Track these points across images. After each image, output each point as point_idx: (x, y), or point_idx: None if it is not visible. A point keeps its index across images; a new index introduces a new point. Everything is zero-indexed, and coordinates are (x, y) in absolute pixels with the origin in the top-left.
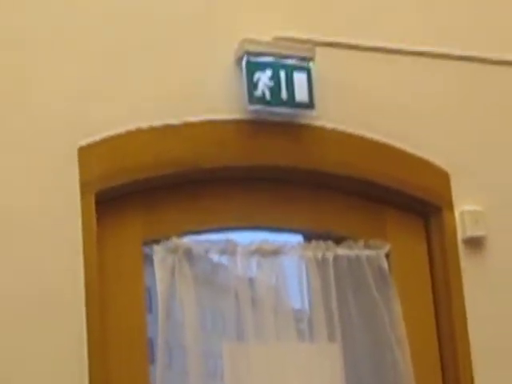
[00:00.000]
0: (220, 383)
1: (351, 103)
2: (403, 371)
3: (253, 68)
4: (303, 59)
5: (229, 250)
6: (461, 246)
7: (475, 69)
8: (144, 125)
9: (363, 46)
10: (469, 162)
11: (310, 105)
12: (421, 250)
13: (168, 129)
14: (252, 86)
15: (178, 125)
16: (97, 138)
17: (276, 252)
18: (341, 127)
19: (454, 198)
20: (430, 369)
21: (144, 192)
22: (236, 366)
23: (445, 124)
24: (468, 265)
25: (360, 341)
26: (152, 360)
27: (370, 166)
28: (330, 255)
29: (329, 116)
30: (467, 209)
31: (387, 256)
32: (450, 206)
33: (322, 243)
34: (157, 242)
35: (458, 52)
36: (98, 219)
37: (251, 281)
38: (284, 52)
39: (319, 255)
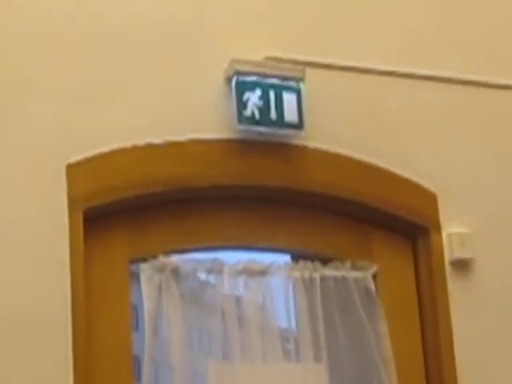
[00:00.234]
0: None
1: (340, 124)
2: None
3: (242, 88)
4: (293, 79)
5: (216, 269)
6: (448, 268)
7: (464, 91)
8: (133, 143)
9: (353, 67)
10: (456, 184)
11: (299, 125)
12: (408, 271)
13: (156, 147)
14: (241, 105)
15: (166, 143)
16: (85, 155)
17: (263, 272)
18: (329, 148)
19: (441, 220)
20: None
21: (132, 210)
22: None
23: (433, 146)
24: (455, 287)
25: (346, 361)
26: (138, 378)
27: (358, 187)
28: (317, 276)
29: (318, 136)
30: (454, 231)
31: (374, 277)
32: (438, 228)
33: (309, 264)
34: (144, 260)
35: (447, 74)
36: (85, 237)
37: (238, 300)
38: (274, 72)
39: (306, 275)
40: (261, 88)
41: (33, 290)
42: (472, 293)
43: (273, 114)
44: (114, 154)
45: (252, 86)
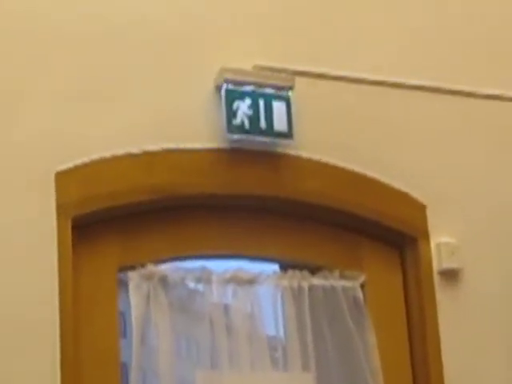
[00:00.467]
0: None
1: (330, 133)
2: None
3: (232, 97)
4: (282, 88)
5: (204, 277)
6: (436, 278)
7: (456, 102)
8: (122, 151)
9: (342, 76)
10: (445, 194)
11: (288, 134)
12: (396, 281)
13: (146, 156)
14: (231, 114)
15: (156, 152)
16: (75, 163)
17: (251, 281)
18: (319, 157)
19: (430, 230)
20: None
21: (121, 218)
22: None
23: (422, 156)
24: (443, 297)
25: (334, 371)
26: None
27: (347, 197)
28: (305, 285)
29: (307, 146)
30: (443, 241)
31: (362, 286)
32: (426, 238)
33: (297, 273)
34: (132, 268)
35: (436, 84)
36: (73, 244)
37: (226, 308)
38: (263, 81)
39: (295, 285)
40: (250, 97)
41: (21, 297)
42: (460, 303)
43: (262, 123)
44: (102, 161)
45: (242, 95)
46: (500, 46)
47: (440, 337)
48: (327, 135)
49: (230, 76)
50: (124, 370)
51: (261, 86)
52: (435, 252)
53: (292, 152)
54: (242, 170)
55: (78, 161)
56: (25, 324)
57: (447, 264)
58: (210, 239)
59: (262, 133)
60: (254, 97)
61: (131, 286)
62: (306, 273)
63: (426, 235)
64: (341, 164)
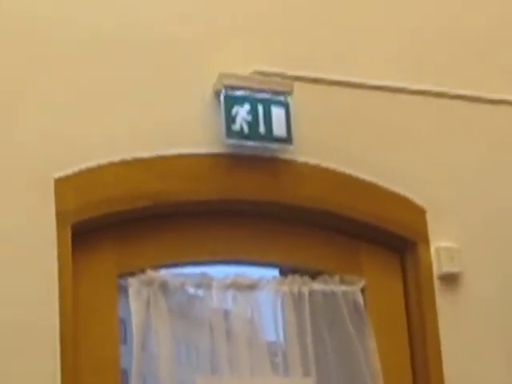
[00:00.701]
0: None
1: (329, 138)
2: None
3: (231, 102)
4: (281, 94)
5: (204, 283)
6: (436, 282)
7: (453, 106)
8: (121, 158)
9: (341, 81)
10: (445, 198)
11: (287, 139)
12: (396, 285)
13: (145, 162)
14: (230, 119)
15: (154, 158)
16: (73, 169)
17: (251, 286)
18: (318, 162)
19: (429, 234)
20: None
21: (120, 224)
22: None
23: (422, 160)
24: (443, 301)
25: (334, 376)
26: None
27: (346, 201)
28: (305, 290)
29: (306, 151)
30: (443, 245)
31: (362, 291)
32: (426, 242)
33: (297, 278)
34: (132, 274)
35: (435, 88)
36: (73, 251)
37: (226, 314)
38: (262, 86)
39: (295, 290)
40: (249, 102)
41: (21, 304)
42: (460, 307)
43: (261, 128)
44: (102, 168)
45: (241, 101)
46: (502, 50)
47: (440, 341)
48: (326, 140)
49: (228, 81)
50: (124, 376)
51: (260, 91)
52: (435, 256)
53: (291, 157)
54: (242, 176)
55: (77, 167)
56: (25, 331)
57: (447, 268)
58: (210, 245)
59: (261, 138)
60: (253, 102)
61: (131, 291)
62: (306, 278)
63: (425, 240)
64: (340, 169)
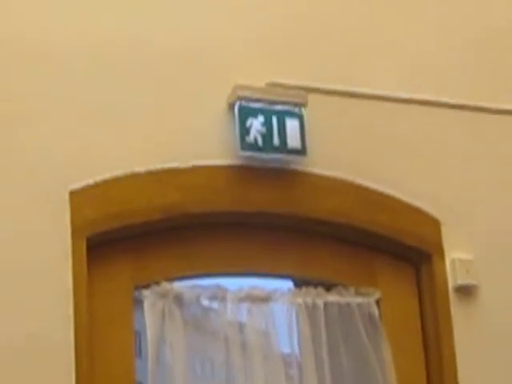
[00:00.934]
0: None
1: (343, 150)
2: None
3: (245, 114)
4: (296, 105)
5: (219, 295)
6: (451, 295)
7: (468, 117)
8: (136, 170)
9: (355, 92)
10: (460, 210)
11: (302, 151)
12: (411, 297)
13: (159, 174)
14: (244, 131)
15: (169, 170)
16: (89, 182)
17: (266, 298)
18: (333, 174)
19: (444, 246)
20: None
21: (135, 237)
22: None
23: (436, 171)
24: (458, 313)
25: None
26: None
27: (361, 213)
28: (320, 302)
29: (321, 163)
30: (458, 257)
31: (378, 303)
32: (441, 254)
33: (312, 290)
34: (147, 286)
35: (450, 100)
36: (88, 263)
37: (241, 326)
38: (276, 98)
39: (309, 302)
40: (263, 114)
41: (36, 317)
42: (476, 320)
43: (275, 140)
44: (117, 180)
45: (255, 112)
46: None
47: (455, 353)
48: (341, 152)
49: (243, 93)
50: None
51: (274, 103)
52: (450, 268)
53: (305, 169)
54: (256, 188)
55: (92, 180)
56: (40, 345)
57: (462, 280)
58: (224, 257)
59: (275, 150)
60: (268, 114)
61: (146, 304)
62: (320, 290)
63: (440, 251)
64: (355, 181)
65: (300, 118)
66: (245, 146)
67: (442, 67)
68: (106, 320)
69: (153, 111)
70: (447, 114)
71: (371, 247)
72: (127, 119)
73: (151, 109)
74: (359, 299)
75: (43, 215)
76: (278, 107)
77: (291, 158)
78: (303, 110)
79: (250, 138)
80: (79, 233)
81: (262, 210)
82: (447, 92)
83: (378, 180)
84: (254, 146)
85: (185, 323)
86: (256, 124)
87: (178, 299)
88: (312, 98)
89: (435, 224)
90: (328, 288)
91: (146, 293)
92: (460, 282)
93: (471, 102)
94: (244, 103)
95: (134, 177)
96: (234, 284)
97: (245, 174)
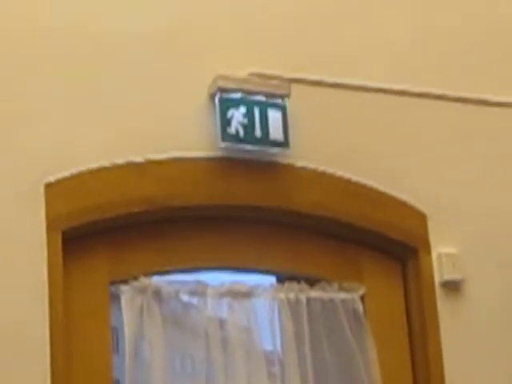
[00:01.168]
0: None
1: (327, 142)
2: None
3: (226, 105)
4: (278, 96)
5: (199, 291)
6: (437, 289)
7: (456, 110)
8: (113, 162)
9: (339, 83)
10: (446, 204)
11: (284, 143)
12: (397, 292)
13: (137, 166)
14: (225, 122)
15: (147, 162)
16: (64, 174)
17: (248, 294)
18: (316, 166)
19: (431, 241)
20: None
21: (112, 230)
22: None
23: (423, 165)
24: (445, 308)
25: None
26: None
27: (345, 207)
28: (303, 297)
29: (304, 155)
30: (444, 251)
31: (362, 299)
32: (427, 249)
33: (295, 285)
34: (124, 281)
35: (435, 92)
36: (64, 257)
37: (222, 322)
38: (258, 89)
39: (292, 297)
40: (245, 105)
41: (10, 312)
42: (462, 314)
43: (258, 132)
44: (93, 172)
45: (236, 103)
46: (507, 53)
47: (442, 348)
48: (324, 144)
49: (224, 84)
50: None
51: (256, 93)
52: (436, 263)
53: (288, 161)
54: (237, 180)
55: (68, 172)
56: (14, 339)
57: (448, 275)
58: (205, 251)
59: (257, 142)
60: (249, 105)
61: (124, 299)
62: (303, 285)
63: (427, 245)
64: (338, 173)
65: (283, 109)
66: (226, 137)
67: (429, 58)
68: (82, 315)
69: (131, 102)
70: (435, 105)
71: (356, 241)
72: (106, 111)
73: (129, 99)
74: (343, 295)
75: (17, 209)
76: (260, 98)
77: (274, 150)
78: (286, 100)
79: (232, 130)
80: (54, 226)
81: (243, 203)
82: (434, 83)
83: (363, 173)
84: (235, 138)
85: (164, 319)
86: (237, 115)
87: (157, 294)
88: (295, 89)
89: (421, 218)
90: (311, 283)
91: (123, 288)
92: (446, 276)
93: (459, 94)
94: (225, 94)
95: (112, 169)
96: (215, 279)
97: (226, 166)
